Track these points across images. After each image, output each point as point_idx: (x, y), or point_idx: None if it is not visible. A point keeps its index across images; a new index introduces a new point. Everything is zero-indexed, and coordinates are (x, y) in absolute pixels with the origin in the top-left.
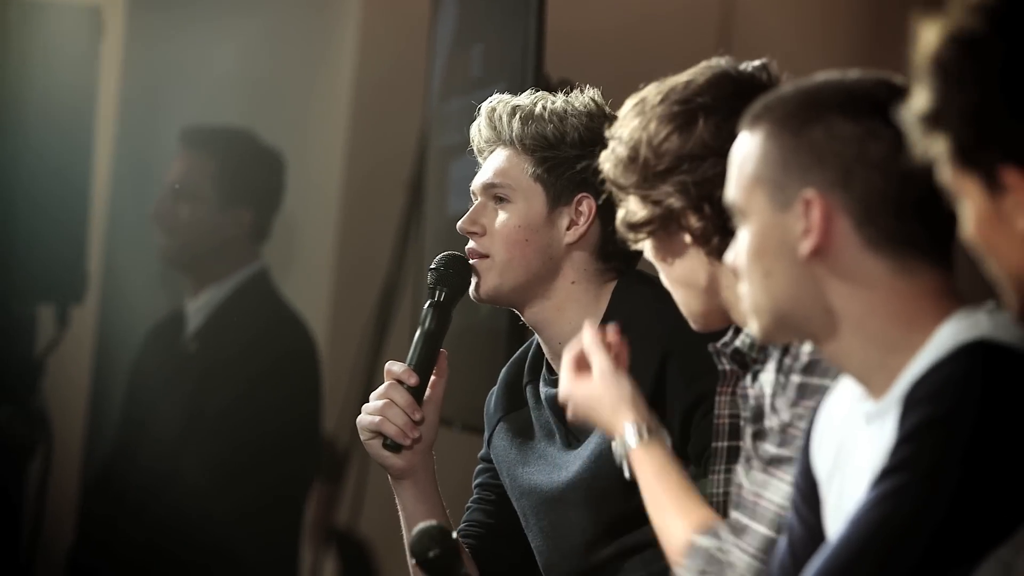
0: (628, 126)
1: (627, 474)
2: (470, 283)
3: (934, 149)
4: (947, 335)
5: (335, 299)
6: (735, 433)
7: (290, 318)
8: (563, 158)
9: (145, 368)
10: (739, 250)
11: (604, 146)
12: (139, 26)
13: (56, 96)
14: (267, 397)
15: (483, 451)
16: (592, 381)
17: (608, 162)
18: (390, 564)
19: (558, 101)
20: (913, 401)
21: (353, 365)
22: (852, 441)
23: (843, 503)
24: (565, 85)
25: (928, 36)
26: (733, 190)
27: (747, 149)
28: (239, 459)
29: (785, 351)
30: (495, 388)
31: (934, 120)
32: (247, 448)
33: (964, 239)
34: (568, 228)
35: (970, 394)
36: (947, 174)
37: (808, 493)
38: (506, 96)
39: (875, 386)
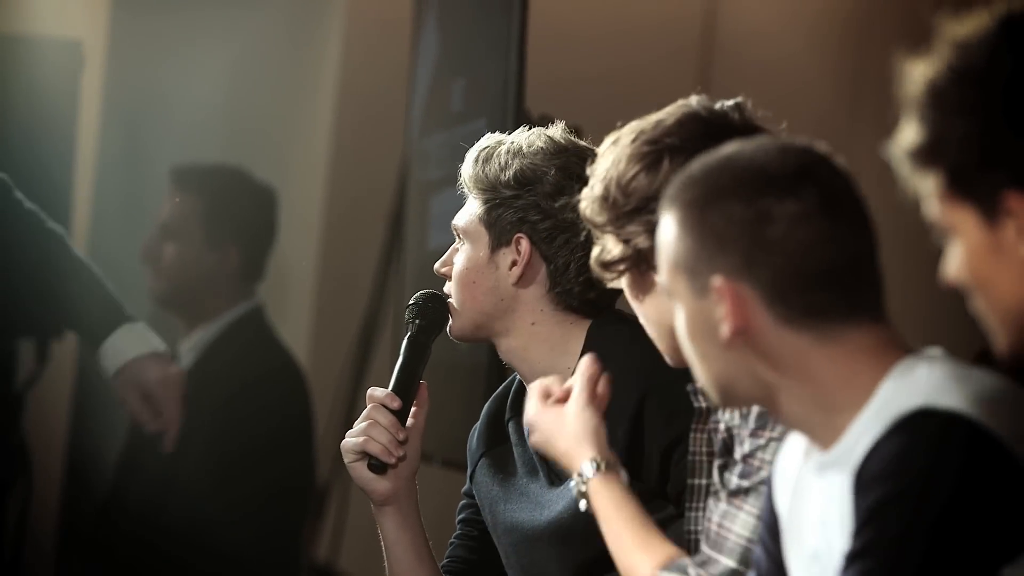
0: (602, 165)
1: (583, 506)
2: (447, 319)
3: (924, 185)
4: (889, 394)
5: (316, 331)
6: (712, 470)
7: (281, 358)
8: (502, 199)
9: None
10: (678, 330)
11: (543, 184)
12: (120, 58)
13: (37, 128)
14: (257, 439)
15: (466, 486)
16: (561, 410)
17: (584, 200)
18: None
19: (521, 140)
20: (864, 482)
21: (333, 397)
22: (806, 487)
23: (800, 550)
24: (546, 121)
25: (919, 70)
26: (660, 273)
27: (665, 234)
28: (230, 499)
29: None
30: (478, 423)
31: (928, 152)
32: (238, 488)
33: (950, 280)
34: (511, 268)
35: (917, 468)
36: (936, 210)
37: (774, 528)
38: (495, 135)
39: (823, 440)
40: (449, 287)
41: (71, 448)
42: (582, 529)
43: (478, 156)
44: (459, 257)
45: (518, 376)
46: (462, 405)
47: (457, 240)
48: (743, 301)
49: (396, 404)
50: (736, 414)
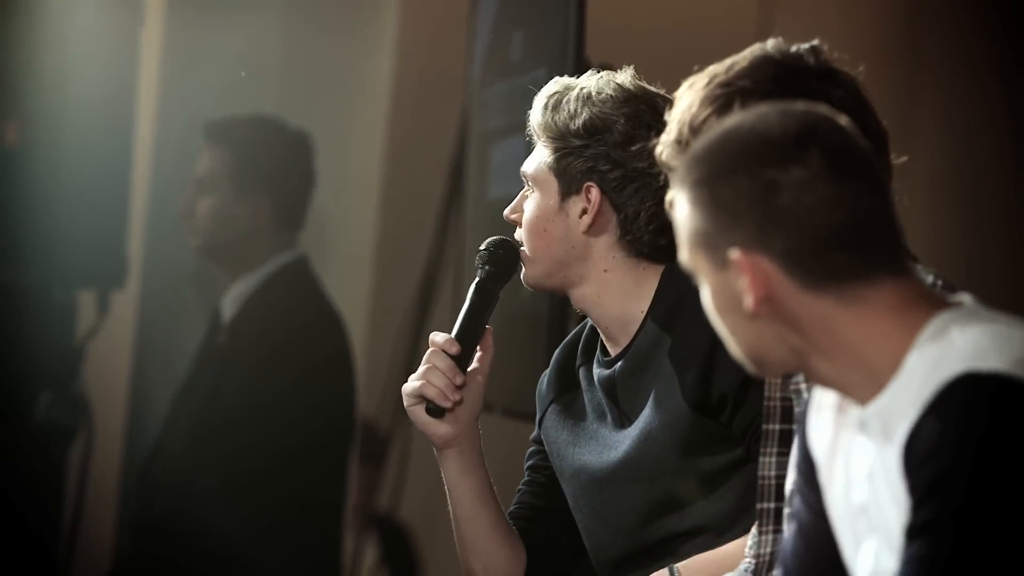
0: (677, 108)
1: None
2: (517, 267)
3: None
4: (926, 358)
5: (376, 286)
6: (787, 416)
7: (321, 308)
8: (572, 147)
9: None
10: (706, 307)
11: (612, 134)
12: (179, 14)
13: (97, 83)
14: (298, 391)
15: (535, 433)
16: None
17: (661, 144)
18: (431, 550)
19: (591, 86)
20: (917, 457)
21: (393, 351)
22: (848, 441)
23: (846, 502)
24: (607, 70)
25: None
26: (683, 252)
27: (680, 214)
28: (271, 455)
29: None
30: (547, 370)
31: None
32: (278, 445)
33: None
34: (581, 216)
35: (972, 437)
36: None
37: (810, 476)
38: (563, 79)
39: (861, 397)
40: (519, 234)
41: (132, 399)
42: (650, 467)
43: (547, 103)
44: (529, 205)
45: (589, 322)
46: (523, 355)
47: (527, 187)
48: (762, 271)
49: (455, 349)
50: None
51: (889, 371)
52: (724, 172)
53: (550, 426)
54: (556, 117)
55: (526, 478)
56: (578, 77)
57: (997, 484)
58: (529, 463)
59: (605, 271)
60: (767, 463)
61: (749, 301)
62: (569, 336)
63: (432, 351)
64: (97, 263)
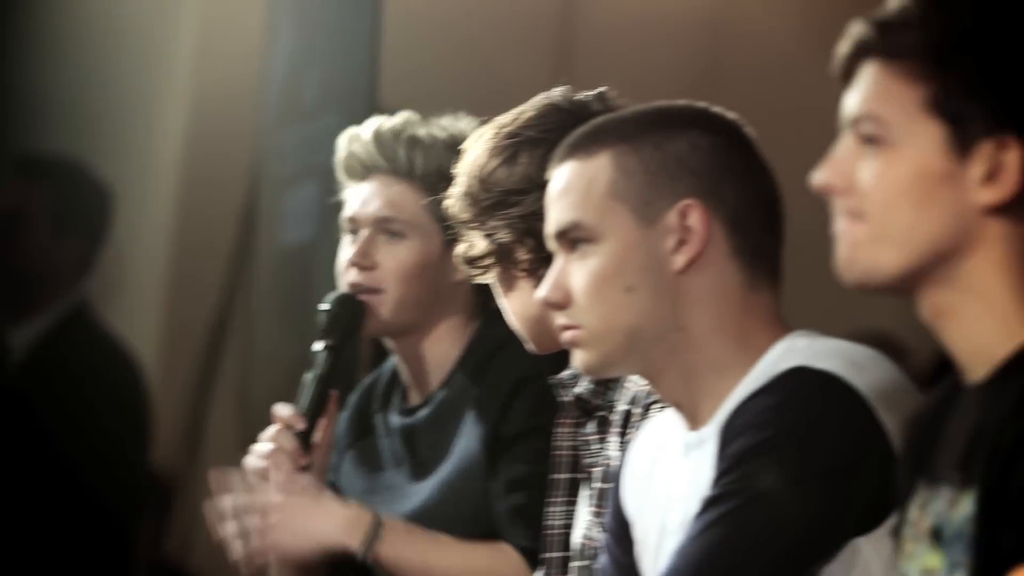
0: (465, 161)
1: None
2: (362, 323)
3: (899, 79)
4: (771, 362)
5: (166, 331)
6: (575, 466)
7: (115, 350)
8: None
9: None
10: (581, 275)
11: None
12: None
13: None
14: (89, 431)
15: (330, 477)
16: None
17: (452, 197)
18: None
19: (435, 130)
20: (733, 430)
21: (180, 398)
22: (667, 474)
23: (665, 540)
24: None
25: None
26: (577, 213)
27: (592, 171)
28: (60, 494)
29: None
30: (344, 415)
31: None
32: (68, 481)
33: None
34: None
35: (790, 419)
36: (888, 110)
37: (620, 534)
38: (391, 121)
39: (699, 414)
40: (365, 281)
41: None
42: (446, 518)
43: (419, 146)
44: (402, 251)
45: (388, 368)
46: None
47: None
48: (710, 225)
49: (301, 425)
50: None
51: (737, 378)
52: (679, 126)
53: (347, 472)
54: (439, 162)
55: None
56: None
57: (801, 470)
58: None
59: (452, 317)
60: (554, 513)
61: (682, 258)
62: (365, 380)
63: (277, 429)
64: None
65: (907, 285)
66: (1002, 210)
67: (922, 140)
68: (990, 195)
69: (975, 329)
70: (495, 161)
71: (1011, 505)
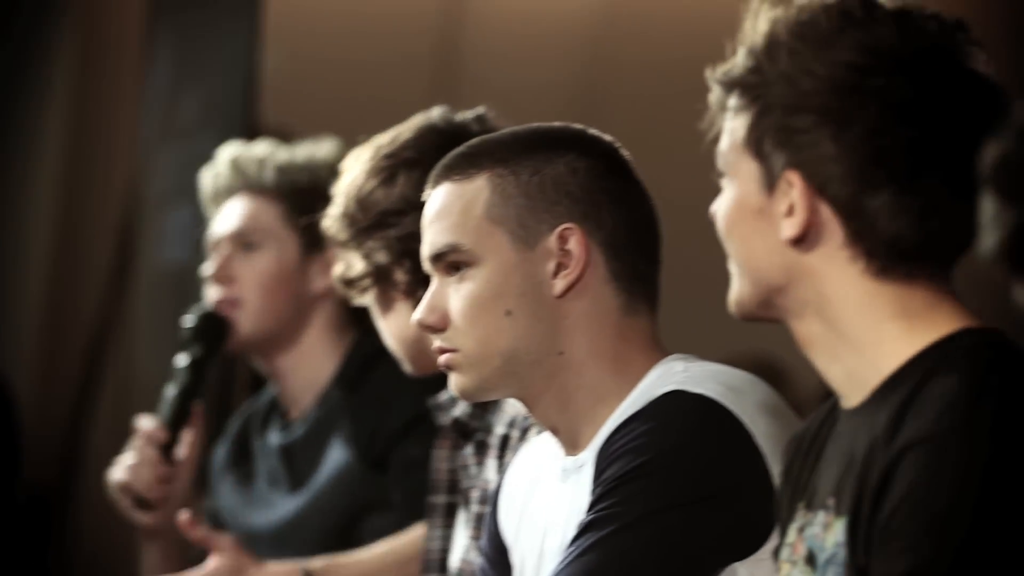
0: (343, 182)
1: None
2: (225, 337)
3: (737, 117)
4: (647, 386)
5: (43, 348)
6: (453, 489)
7: None
8: (318, 207)
9: None
10: (459, 298)
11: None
12: None
13: None
14: None
15: (208, 502)
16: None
17: (328, 218)
18: None
19: (294, 151)
20: (609, 455)
21: (60, 414)
22: (545, 499)
23: (543, 565)
24: (282, 132)
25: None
26: (453, 236)
27: (469, 194)
28: None
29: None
30: (223, 440)
31: (755, 88)
32: None
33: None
34: (317, 277)
35: (667, 443)
36: (728, 146)
37: (495, 559)
38: (248, 145)
39: (577, 439)
40: (227, 294)
41: None
42: (315, 529)
43: (273, 164)
44: (258, 262)
45: (266, 394)
46: None
47: (227, 249)
48: (589, 249)
49: (163, 437)
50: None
51: (613, 404)
52: (556, 150)
53: (226, 494)
54: (296, 176)
55: None
56: (251, 141)
57: (680, 495)
58: None
59: (319, 332)
60: (432, 536)
61: (562, 283)
62: (245, 407)
63: (139, 441)
64: None
65: (773, 315)
66: (806, 243)
67: (743, 176)
68: (787, 230)
69: (837, 358)
70: (373, 182)
71: (879, 533)
